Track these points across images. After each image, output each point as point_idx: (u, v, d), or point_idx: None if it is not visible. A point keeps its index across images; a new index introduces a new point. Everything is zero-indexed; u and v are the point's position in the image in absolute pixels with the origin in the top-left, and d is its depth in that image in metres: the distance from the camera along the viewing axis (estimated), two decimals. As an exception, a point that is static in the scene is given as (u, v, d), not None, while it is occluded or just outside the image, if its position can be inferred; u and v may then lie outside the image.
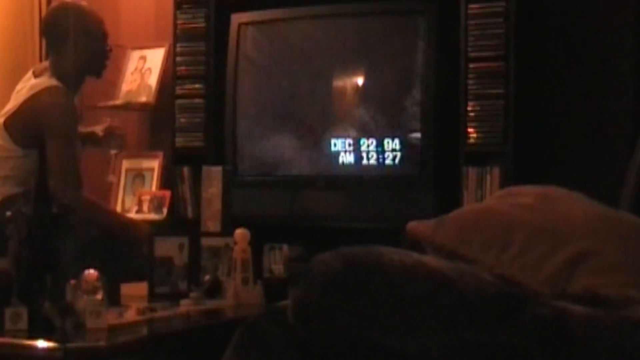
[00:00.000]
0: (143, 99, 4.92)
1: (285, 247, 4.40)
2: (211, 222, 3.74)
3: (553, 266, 1.94)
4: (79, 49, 3.89)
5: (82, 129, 4.02)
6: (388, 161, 4.21)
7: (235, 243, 3.33)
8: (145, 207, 4.73)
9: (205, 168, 3.93)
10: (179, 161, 4.70)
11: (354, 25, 4.37)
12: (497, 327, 1.64)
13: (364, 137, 4.26)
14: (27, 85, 3.91)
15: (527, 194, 2.19)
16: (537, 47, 4.20)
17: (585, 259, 1.93)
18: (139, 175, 4.91)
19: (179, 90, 4.70)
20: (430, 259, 1.81)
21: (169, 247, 3.41)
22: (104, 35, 3.99)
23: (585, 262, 1.92)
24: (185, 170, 4.67)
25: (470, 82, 4.06)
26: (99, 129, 4.04)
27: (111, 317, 2.74)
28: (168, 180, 4.79)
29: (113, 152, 4.35)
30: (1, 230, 2.78)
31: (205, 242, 3.51)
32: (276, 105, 4.50)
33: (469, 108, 4.06)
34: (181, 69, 4.71)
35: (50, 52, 4.01)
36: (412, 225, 2.24)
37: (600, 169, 4.00)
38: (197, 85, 4.67)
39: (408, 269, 1.71)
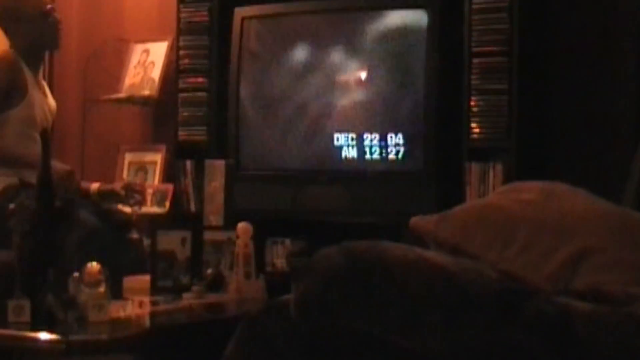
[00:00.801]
0: (146, 92, 4.91)
1: (287, 241, 4.41)
2: (214, 216, 3.74)
3: (556, 262, 1.94)
4: (22, 33, 3.92)
5: (102, 186, 4.06)
6: (391, 156, 4.21)
7: (238, 237, 3.33)
8: (147, 201, 4.73)
9: (208, 162, 3.94)
10: (182, 155, 4.70)
11: (357, 20, 4.37)
12: (500, 323, 1.64)
13: (367, 131, 4.26)
14: None
15: (530, 190, 2.19)
16: (540, 43, 4.20)
17: (589, 255, 1.93)
18: (141, 169, 4.90)
19: (182, 84, 4.70)
20: (433, 255, 1.81)
21: (171, 241, 3.41)
22: (42, 14, 3.96)
23: (589, 259, 1.92)
24: (188, 164, 4.66)
25: (474, 77, 4.06)
26: (118, 187, 4.07)
27: (113, 310, 2.74)
28: (171, 173, 4.79)
29: (134, 208, 4.42)
30: (3, 222, 2.78)
31: (208, 236, 3.51)
32: (279, 99, 4.49)
33: (472, 103, 4.06)
34: (184, 62, 4.70)
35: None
36: (415, 220, 2.24)
37: (604, 165, 3.99)
38: (200, 79, 4.66)
39: (411, 264, 1.71)
